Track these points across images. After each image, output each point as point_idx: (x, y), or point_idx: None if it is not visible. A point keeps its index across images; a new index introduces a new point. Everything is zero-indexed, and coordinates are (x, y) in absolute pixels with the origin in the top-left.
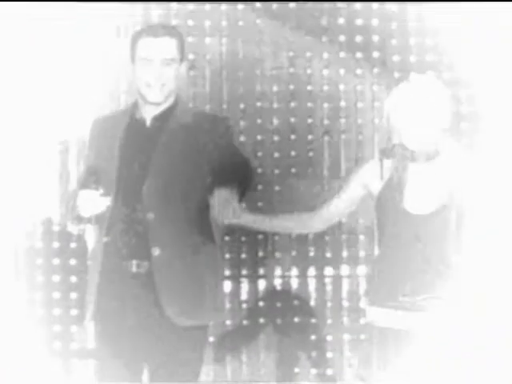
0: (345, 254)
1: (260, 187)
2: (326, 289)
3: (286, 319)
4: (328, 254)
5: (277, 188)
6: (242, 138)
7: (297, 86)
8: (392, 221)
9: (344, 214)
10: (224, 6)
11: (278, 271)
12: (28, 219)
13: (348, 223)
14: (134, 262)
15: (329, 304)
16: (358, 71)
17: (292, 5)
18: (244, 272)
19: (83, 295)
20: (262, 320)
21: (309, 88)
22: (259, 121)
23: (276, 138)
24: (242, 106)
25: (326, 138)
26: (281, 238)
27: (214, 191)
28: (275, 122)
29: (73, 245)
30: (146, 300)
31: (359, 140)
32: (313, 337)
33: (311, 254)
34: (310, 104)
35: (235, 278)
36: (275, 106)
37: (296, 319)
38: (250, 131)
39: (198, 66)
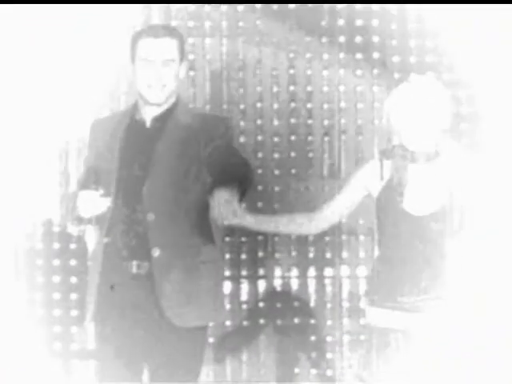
0: (345, 254)
1: (260, 188)
2: (325, 289)
3: (286, 320)
4: (328, 255)
5: (277, 189)
6: (242, 139)
7: (297, 87)
8: (392, 221)
9: (344, 214)
10: (224, 6)
11: (277, 272)
12: (28, 220)
13: (348, 224)
14: (135, 262)
15: (329, 305)
16: (358, 72)
17: (292, 6)
18: (244, 273)
19: (83, 296)
20: (261, 321)
21: (309, 89)
22: (259, 121)
23: (276, 139)
24: (242, 106)
25: (326, 139)
26: (281, 239)
27: (214, 192)
28: (275, 122)
29: (73, 246)
30: (146, 301)
31: (359, 141)
32: (313, 337)
33: (311, 254)
34: (309, 105)
35: (235, 279)
36: (275, 106)
37: (296, 320)
38: (250, 132)
39: (198, 66)
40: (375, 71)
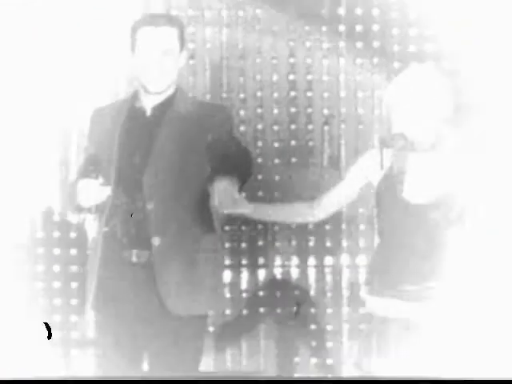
0: (345, 243)
1: (260, 177)
2: (325, 278)
3: (286, 309)
4: (328, 244)
5: (277, 177)
6: (242, 128)
7: (297, 76)
8: (392, 210)
9: (344, 203)
10: None
11: (278, 261)
12: (28, 209)
13: (348, 213)
14: (134, 251)
15: (329, 294)
16: (358, 61)
17: None
18: (244, 261)
19: (83, 285)
20: (262, 309)
21: (309, 78)
22: (259, 110)
23: (276, 128)
24: (241, 95)
25: (326, 128)
26: (281, 228)
27: (214, 181)
28: (275, 111)
29: (73, 234)
30: (146, 289)
31: (359, 129)
32: (312, 326)
33: (311, 243)
34: (309, 94)
35: (235, 268)
36: (275, 95)
37: (296, 309)
38: (250, 121)
39: (198, 55)
40: (375, 60)
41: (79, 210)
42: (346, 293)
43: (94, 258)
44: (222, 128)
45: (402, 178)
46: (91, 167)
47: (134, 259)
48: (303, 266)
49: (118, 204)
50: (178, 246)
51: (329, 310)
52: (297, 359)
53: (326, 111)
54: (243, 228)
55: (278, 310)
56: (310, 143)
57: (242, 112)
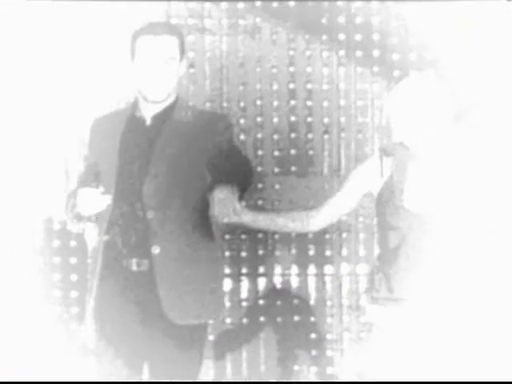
0: (345, 252)
1: (260, 186)
2: (325, 287)
3: (286, 318)
4: (328, 253)
5: (277, 186)
6: (241, 137)
7: (297, 85)
8: (392, 219)
9: (344, 212)
10: (224, 4)
11: (278, 269)
12: (28, 218)
13: (348, 221)
14: (134, 260)
15: (329, 302)
16: (358, 69)
17: (292, 3)
18: (244, 270)
19: (83, 293)
20: (262, 318)
21: (308, 86)
22: (259, 119)
23: (276, 137)
24: (241, 104)
25: (326, 137)
26: (281, 237)
27: (214, 189)
28: (275, 120)
29: (73, 243)
30: (146, 298)
31: (359, 138)
32: (313, 335)
33: (311, 252)
34: (309, 102)
35: (235, 276)
36: (275, 104)
37: (296, 317)
38: (250, 129)
39: (198, 64)
40: (375, 69)
41: (79, 218)
42: (346, 301)
43: (94, 267)
44: (222, 137)
45: (402, 187)
46: (91, 176)
47: (134, 268)
48: (303, 275)
49: (119, 213)
50: (178, 254)
51: (329, 319)
52: (297, 367)
53: (325, 120)
54: (243, 237)
55: (278, 319)
56: (310, 152)
57: (241, 121)
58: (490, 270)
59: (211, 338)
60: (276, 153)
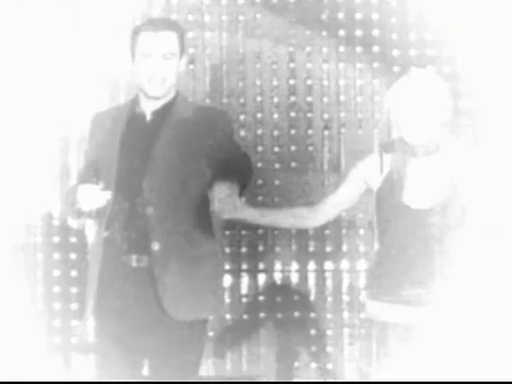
0: (345, 248)
1: (260, 182)
2: (326, 283)
3: (286, 314)
4: (328, 249)
5: (277, 182)
6: (242, 133)
7: (297, 81)
8: (392, 215)
9: (344, 208)
10: (224, 0)
11: (278, 265)
12: (28, 214)
13: (348, 217)
14: (134, 256)
15: (329, 298)
16: (358, 65)
17: None
18: (244, 266)
19: (83, 289)
20: (262, 314)
21: (308, 82)
22: (259, 115)
23: (276, 133)
24: (241, 100)
25: (326, 133)
26: (281, 233)
27: (214, 185)
28: (275, 116)
29: (73, 239)
30: (146, 294)
31: (359, 134)
32: (313, 331)
33: (311, 248)
34: (309, 98)
35: (235, 272)
36: (275, 100)
37: (296, 314)
38: (250, 125)
39: (198, 60)
40: (375, 65)
41: (79, 214)
42: (346, 297)
43: (94, 263)
44: (221, 133)
45: (402, 183)
46: (91, 172)
47: (134, 264)
48: (303, 271)
49: (118, 209)
50: (178, 250)
51: (329, 315)
52: (297, 364)
53: (325, 116)
54: (243, 233)
55: (279, 315)
56: (310, 148)
57: (241, 117)
58: (490, 267)
59: (211, 334)
60: (276, 149)
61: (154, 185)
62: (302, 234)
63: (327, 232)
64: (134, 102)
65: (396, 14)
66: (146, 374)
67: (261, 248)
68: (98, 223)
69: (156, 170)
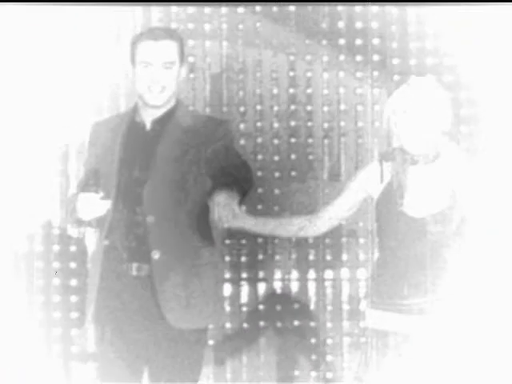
0: (345, 257)
1: (260, 190)
2: (325, 292)
3: (286, 322)
4: (328, 257)
5: (277, 191)
6: (241, 141)
7: (297, 89)
8: (392, 224)
9: (344, 217)
10: (224, 9)
11: (277, 274)
12: (28, 222)
13: (348, 226)
14: (134, 265)
15: (329, 307)
16: (358, 74)
17: (292, 8)
18: (244, 275)
19: (83, 298)
20: (262, 323)
21: (309, 91)
22: (259, 124)
23: (276, 141)
24: (241, 109)
25: (326, 141)
26: (281, 241)
27: (214, 194)
28: (275, 125)
29: (73, 248)
30: (146, 303)
31: (359, 143)
32: (313, 340)
33: (311, 257)
34: (309, 107)
35: (235, 281)
36: (275, 109)
37: (296, 322)
38: (250, 134)
39: (198, 68)
40: (375, 73)
41: (79, 223)
42: (345, 306)
43: (94, 272)
44: (221, 141)
45: (402, 192)
46: (91, 181)
47: (134, 272)
48: (303, 280)
49: (118, 217)
50: (178, 259)
51: (329, 324)
52: (297, 372)
53: (325, 125)
54: (243, 241)
55: (278, 324)
56: (310, 157)
57: (241, 125)
58: (491, 273)
59: (211, 342)
60: (276, 157)
61: (154, 193)
62: (301, 243)
63: (327, 241)
64: (134, 110)
65: (396, 22)
66: (145, 381)
67: (261, 257)
68: (98, 232)
69: (156, 179)
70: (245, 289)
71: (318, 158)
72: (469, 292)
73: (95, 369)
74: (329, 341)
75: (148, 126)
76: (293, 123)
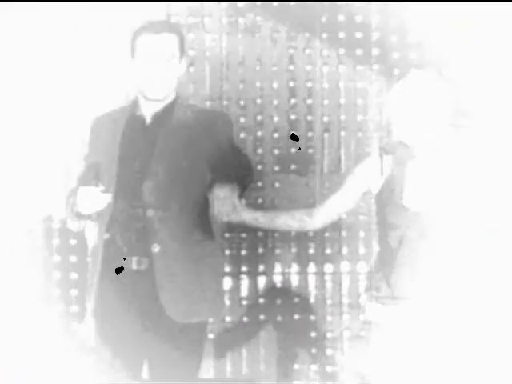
0: (345, 250)
1: (260, 184)
2: (325, 286)
3: (286, 316)
4: (328, 251)
5: (277, 185)
6: (242, 135)
7: (297, 83)
8: (392, 217)
9: (344, 210)
10: (224, 3)
11: (277, 268)
12: (29, 216)
13: (348, 220)
14: (134, 258)
15: (329, 301)
16: (358, 68)
17: (292, 2)
18: (244, 269)
19: (83, 292)
20: (262, 317)
21: (309, 85)
22: (259, 117)
23: (276, 135)
24: (241, 102)
25: (326, 135)
26: (281, 235)
27: (214, 188)
28: (275, 118)
29: (73, 242)
30: (146, 297)
31: (359, 137)
32: (313, 333)
33: (311, 250)
34: (309, 101)
35: (235, 275)
36: (275, 102)
37: (296, 316)
38: (250, 128)
39: (198, 62)
40: (375, 67)
41: (79, 217)
42: (346, 300)
43: (94, 266)
44: (222, 135)
45: (402, 185)
46: (92, 175)
47: (134, 266)
48: (303, 274)
49: (119, 211)
50: (178, 253)
51: (329, 317)
52: (297, 366)
53: (326, 118)
54: (243, 235)
55: (279, 318)
56: (310, 150)
57: (242, 119)
58: (489, 269)
59: (211, 336)
60: (276, 151)
61: (154, 187)
62: (301, 237)
63: (327, 234)
64: (134, 104)
65: (395, 16)
66: (145, 376)
67: (261, 250)
68: (98, 226)
69: (156, 173)
70: (245, 282)
71: (318, 152)
72: (469, 286)
73: (95, 362)
74: (329, 334)
75: (148, 119)
76: (293, 117)
